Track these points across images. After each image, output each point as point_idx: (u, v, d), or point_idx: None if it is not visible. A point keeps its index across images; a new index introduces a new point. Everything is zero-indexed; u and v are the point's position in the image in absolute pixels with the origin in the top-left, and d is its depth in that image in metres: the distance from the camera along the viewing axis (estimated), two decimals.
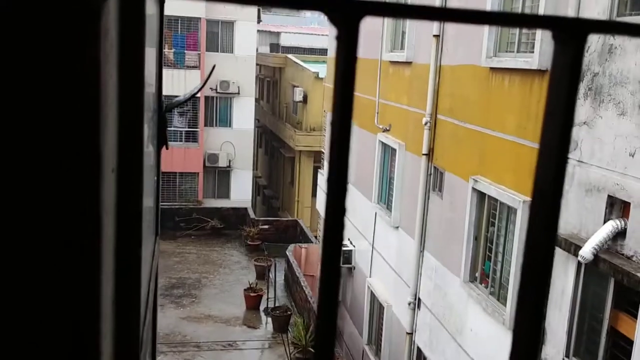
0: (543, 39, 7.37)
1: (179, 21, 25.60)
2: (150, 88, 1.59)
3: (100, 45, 0.51)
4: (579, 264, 6.60)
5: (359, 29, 0.38)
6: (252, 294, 17.89)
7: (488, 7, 8.63)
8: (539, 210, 0.46)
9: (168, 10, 24.72)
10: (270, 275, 18.54)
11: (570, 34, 0.44)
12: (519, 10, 8.19)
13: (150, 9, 1.44)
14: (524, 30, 8.13)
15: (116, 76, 0.70)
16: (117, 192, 0.77)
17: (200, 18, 25.63)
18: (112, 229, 0.73)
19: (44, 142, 0.51)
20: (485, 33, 8.66)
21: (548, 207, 0.46)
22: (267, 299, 17.75)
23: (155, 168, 1.75)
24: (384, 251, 12.91)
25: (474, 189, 9.00)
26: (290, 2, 0.39)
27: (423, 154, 10.72)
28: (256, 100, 29.65)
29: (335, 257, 0.43)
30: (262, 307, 17.94)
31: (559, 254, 7.00)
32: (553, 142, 0.45)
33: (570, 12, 6.85)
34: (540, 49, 7.39)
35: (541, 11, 7.42)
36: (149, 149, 1.56)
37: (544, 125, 0.45)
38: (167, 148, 1.86)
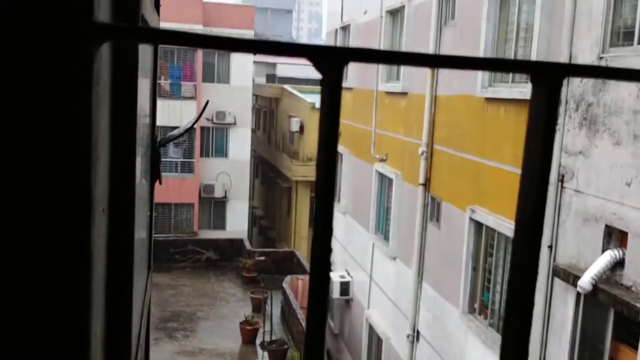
0: None
1: (175, 52, 25.82)
2: (144, 123, 1.57)
3: (92, 91, 0.52)
4: (578, 294, 6.54)
5: (342, 74, 0.38)
6: (248, 327, 17.67)
7: (482, 40, 8.72)
8: (522, 245, 0.47)
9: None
10: (267, 307, 18.33)
11: (547, 78, 0.46)
12: (513, 40, 8.28)
13: (143, 47, 1.43)
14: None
15: (109, 117, 0.70)
16: (108, 232, 0.77)
17: (196, 49, 25.86)
18: (103, 267, 0.73)
19: (37, 185, 0.52)
20: None
21: (528, 247, 0.47)
22: (264, 332, 17.53)
23: (148, 202, 1.73)
24: (382, 282, 12.80)
25: (471, 219, 8.97)
26: (277, 49, 0.41)
27: (420, 184, 10.71)
28: (252, 130, 29.76)
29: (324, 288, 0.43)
30: (258, 341, 17.70)
31: (558, 284, 6.93)
32: (532, 181, 0.47)
33: (564, 42, 6.92)
34: None
35: (534, 41, 7.49)
36: (142, 183, 1.53)
37: (524, 164, 0.48)
38: (160, 183, 1.84)
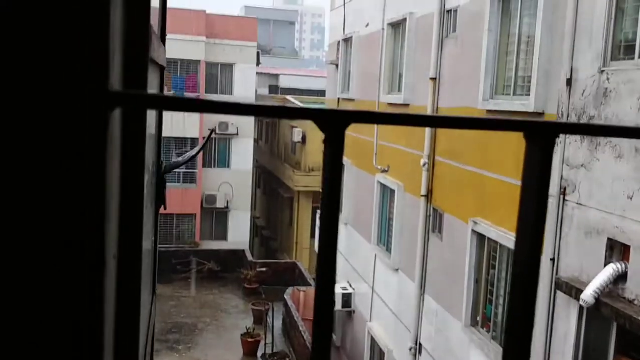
0: (539, 82, 7.44)
1: (179, 63, 25.94)
2: (149, 151, 1.59)
3: (106, 153, 0.55)
4: (581, 308, 6.51)
5: (344, 135, 0.40)
6: (249, 340, 17.60)
7: (483, 53, 8.74)
8: (516, 305, 0.49)
9: (168, 53, 25.05)
10: (268, 319, 18.28)
11: (541, 136, 0.48)
12: (515, 52, 8.30)
13: (151, 79, 1.45)
14: (520, 74, 8.23)
15: (119, 171, 0.74)
16: (117, 277, 0.79)
17: (200, 61, 25.98)
18: (112, 316, 0.75)
19: (56, 238, 0.55)
20: (482, 76, 8.76)
21: (524, 302, 0.49)
22: (265, 344, 17.46)
23: (153, 228, 1.73)
24: (384, 294, 12.77)
25: (474, 231, 8.96)
26: (283, 113, 0.43)
27: (422, 195, 10.70)
28: (255, 141, 29.83)
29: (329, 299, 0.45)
30: (259, 353, 17.63)
31: (561, 298, 6.91)
32: (527, 234, 0.48)
33: (565, 55, 6.93)
34: (537, 92, 7.45)
35: (536, 54, 7.51)
36: (148, 210, 1.54)
37: (519, 218, 0.48)
38: (165, 208, 1.85)
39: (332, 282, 0.45)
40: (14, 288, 0.55)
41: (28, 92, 0.51)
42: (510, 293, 0.51)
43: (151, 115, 1.59)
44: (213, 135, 26.57)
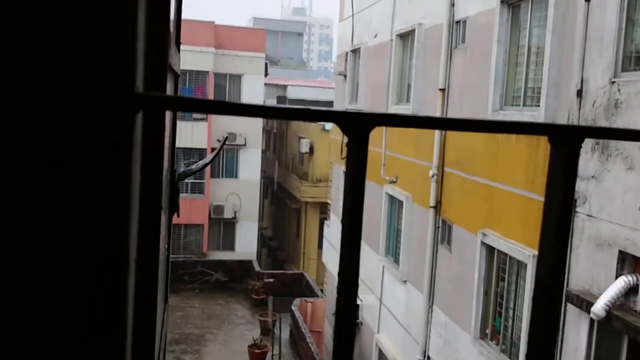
0: (549, 93, 7.41)
1: (187, 74, 26.08)
2: (165, 162, 1.61)
3: (132, 152, 0.57)
4: (592, 320, 6.44)
5: (368, 138, 0.38)
6: (256, 351, 17.53)
7: (492, 63, 8.73)
8: (540, 309, 0.48)
9: None
10: (275, 330, 18.20)
11: (566, 140, 0.47)
12: (524, 63, 8.28)
13: (167, 87, 1.46)
14: (530, 84, 8.20)
15: (140, 174, 0.74)
16: (136, 280, 0.80)
17: (208, 72, 26.12)
18: (131, 320, 0.76)
19: (81, 239, 0.56)
20: (491, 86, 8.74)
21: (548, 307, 0.48)
22: (272, 355, 17.38)
23: (166, 237, 1.73)
24: (392, 306, 12.69)
25: (482, 243, 8.90)
26: (306, 115, 0.42)
27: (430, 207, 10.66)
28: (262, 151, 29.89)
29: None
30: None
31: (571, 310, 6.84)
32: (551, 240, 0.47)
33: (575, 66, 6.91)
34: (546, 103, 7.42)
35: (545, 65, 7.49)
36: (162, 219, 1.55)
37: (542, 227, 0.48)
38: (178, 216, 1.84)
39: (355, 289, 0.44)
40: (35, 292, 0.56)
41: (57, 94, 0.53)
42: (533, 301, 0.49)
43: (166, 130, 1.61)
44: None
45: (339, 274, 0.43)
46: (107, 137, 0.54)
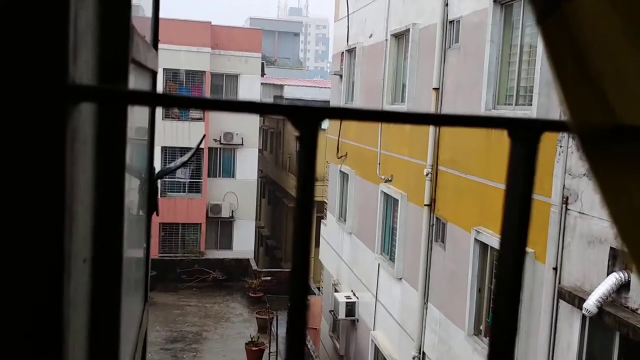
0: (541, 92, 7.48)
1: (184, 74, 26.07)
2: (141, 156, 1.62)
3: (65, 147, 0.53)
4: (584, 317, 6.51)
5: (318, 131, 0.42)
6: (253, 348, 17.58)
7: (486, 63, 8.80)
8: (501, 307, 0.47)
9: (173, 64, 25.22)
10: (273, 328, 18.25)
11: (525, 133, 0.46)
12: (517, 63, 8.34)
13: (141, 83, 1.49)
14: (522, 83, 8.27)
15: (92, 169, 0.73)
16: (92, 280, 0.78)
17: (205, 71, 26.11)
18: (83, 319, 0.73)
19: (9, 235, 0.53)
20: (484, 86, 8.80)
21: (508, 305, 0.47)
22: (269, 353, 17.43)
23: (145, 236, 1.77)
24: (387, 303, 12.76)
25: (476, 240, 8.97)
26: (257, 108, 0.43)
27: (425, 205, 10.72)
28: (259, 151, 29.88)
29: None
30: None
31: (563, 307, 6.91)
32: (512, 235, 0.47)
33: None
34: (539, 102, 7.50)
35: (538, 64, 7.55)
36: (138, 217, 1.57)
37: (503, 218, 0.48)
38: (157, 215, 1.88)
39: (305, 289, 0.46)
40: None
41: None
42: (495, 295, 0.49)
43: (142, 120, 1.63)
44: (218, 145, 26.66)
45: (292, 267, 0.46)
46: (35, 130, 0.51)
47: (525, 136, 0.46)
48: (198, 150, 25.20)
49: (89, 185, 0.71)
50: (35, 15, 0.51)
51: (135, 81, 1.26)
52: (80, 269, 0.68)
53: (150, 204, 1.80)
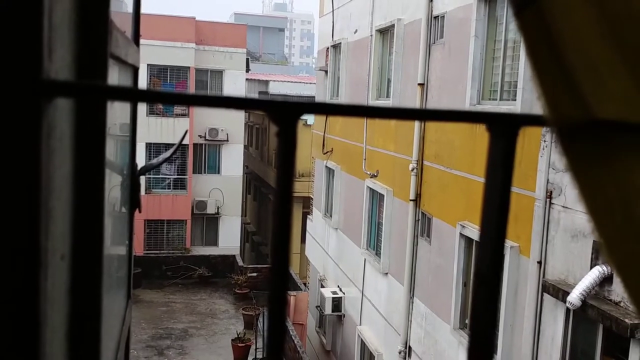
0: (525, 87, 7.53)
1: (169, 70, 25.92)
2: (123, 153, 1.60)
3: (40, 142, 0.52)
4: (568, 310, 6.58)
5: (296, 126, 0.42)
6: (240, 344, 17.57)
7: (470, 58, 8.83)
8: (479, 299, 0.47)
9: (157, 60, 25.06)
10: (259, 324, 18.25)
11: (503, 128, 0.46)
12: (501, 58, 8.39)
13: (123, 79, 1.47)
14: (507, 79, 8.32)
15: (70, 165, 0.72)
16: (71, 277, 0.77)
17: (189, 67, 25.97)
18: (62, 314, 0.73)
19: None
20: (469, 81, 8.84)
21: (487, 296, 0.47)
22: (256, 349, 17.43)
23: (127, 232, 1.75)
24: (373, 298, 12.80)
25: (461, 235, 9.02)
26: (236, 103, 0.42)
27: (410, 200, 10.76)
28: (245, 147, 29.80)
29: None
30: (250, 358, 17.59)
31: (547, 300, 6.98)
32: (491, 228, 0.47)
33: None
34: (523, 97, 7.54)
35: (522, 59, 7.59)
36: (120, 214, 1.56)
37: (482, 212, 0.48)
38: (139, 211, 1.87)
39: (285, 284, 0.45)
40: None
41: None
42: (474, 288, 0.49)
43: (124, 116, 1.61)
44: (203, 141, 26.55)
45: (271, 262, 0.45)
46: (9, 126, 0.50)
47: (503, 130, 0.46)
48: (181, 146, 25.08)
49: (66, 181, 0.70)
50: (7, 9, 0.50)
51: (116, 77, 1.25)
52: (58, 265, 0.67)
53: (133, 200, 1.78)
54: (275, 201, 0.42)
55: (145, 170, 2.14)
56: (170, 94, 0.41)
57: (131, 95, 0.42)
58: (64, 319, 0.74)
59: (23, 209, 0.52)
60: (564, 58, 0.42)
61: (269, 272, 0.44)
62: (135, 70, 1.78)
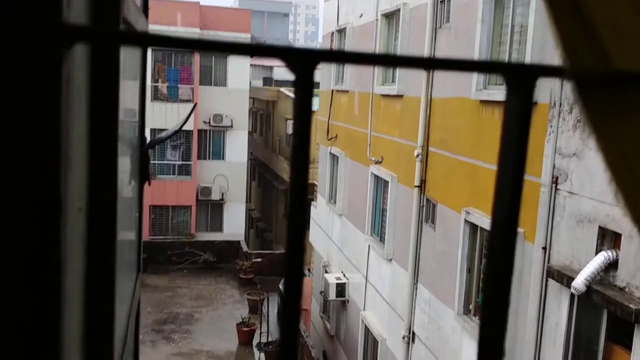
0: None
1: (173, 55, 25.84)
2: (131, 125, 1.60)
3: (60, 90, 0.52)
4: (572, 295, 6.57)
5: (313, 75, 0.41)
6: (244, 329, 17.68)
7: (476, 42, 8.77)
8: (497, 247, 0.47)
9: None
10: (263, 309, 18.34)
11: (521, 80, 0.45)
12: (508, 42, 8.32)
13: (131, 47, 1.46)
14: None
15: (86, 116, 0.72)
16: (88, 230, 0.78)
17: (193, 52, 25.86)
18: (79, 265, 0.74)
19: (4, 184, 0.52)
20: None
21: (504, 247, 0.47)
22: (260, 333, 17.54)
23: (137, 203, 1.75)
24: (377, 284, 12.83)
25: (466, 221, 9.01)
26: (251, 50, 0.42)
27: (415, 186, 10.74)
28: (249, 133, 29.77)
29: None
30: (255, 342, 17.71)
31: (552, 285, 6.97)
32: (507, 185, 0.47)
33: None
34: None
35: (529, 43, 7.53)
36: (131, 184, 1.55)
37: (499, 166, 0.47)
38: (149, 184, 1.87)
39: (301, 251, 0.45)
40: None
41: None
42: (488, 255, 0.48)
43: (134, 92, 1.60)
44: (207, 127, 26.53)
45: (288, 221, 0.44)
46: (30, 73, 0.50)
47: (521, 81, 0.46)
48: (186, 129, 25.04)
49: (83, 133, 0.71)
50: None
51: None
52: (76, 217, 0.68)
53: (143, 173, 1.78)
54: (293, 149, 0.42)
55: (155, 143, 2.14)
56: (188, 40, 0.40)
57: (149, 40, 0.42)
58: (80, 267, 0.75)
59: (44, 155, 0.52)
60: (585, 9, 0.42)
61: (286, 236, 0.44)
62: None
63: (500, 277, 0.48)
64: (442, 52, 10.12)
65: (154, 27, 23.55)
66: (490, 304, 0.48)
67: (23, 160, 0.52)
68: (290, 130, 26.78)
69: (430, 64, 0.48)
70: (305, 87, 0.40)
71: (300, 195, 0.42)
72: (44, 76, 0.51)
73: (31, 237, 0.54)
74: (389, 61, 0.46)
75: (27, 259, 0.54)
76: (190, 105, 25.51)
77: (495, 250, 0.48)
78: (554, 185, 7.00)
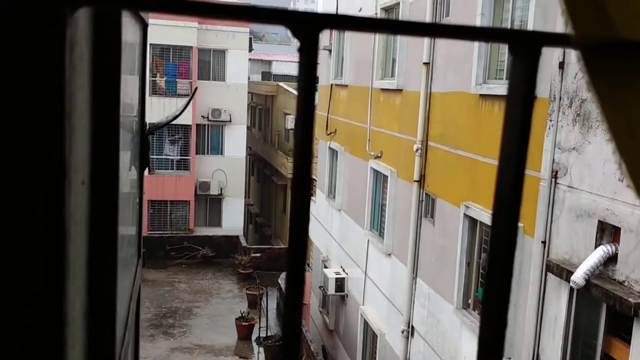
0: None
1: (171, 50, 25.77)
2: (132, 110, 1.59)
3: (64, 56, 0.51)
4: (572, 289, 6.58)
5: (318, 40, 0.40)
6: (244, 323, 17.70)
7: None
8: (499, 222, 0.47)
9: (160, 39, 24.92)
10: (262, 303, 18.36)
11: (525, 47, 0.45)
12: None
13: (132, 35, 1.45)
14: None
15: (88, 88, 0.71)
16: (90, 203, 0.78)
17: (192, 47, 25.82)
18: (82, 238, 0.74)
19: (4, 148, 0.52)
20: (475, 60, 8.76)
21: (507, 219, 0.47)
22: (259, 328, 17.56)
23: (138, 191, 1.75)
24: (376, 278, 12.84)
25: (465, 215, 9.01)
26: (254, 16, 0.40)
27: (414, 181, 10.74)
28: (248, 128, 29.73)
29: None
30: (254, 337, 17.73)
31: (551, 279, 6.98)
32: (511, 155, 0.47)
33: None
34: None
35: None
36: (131, 169, 1.55)
37: (503, 138, 0.47)
38: (149, 172, 1.87)
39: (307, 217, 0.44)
40: None
41: None
42: (491, 235, 0.47)
43: (134, 81, 1.60)
44: (206, 122, 26.48)
45: (292, 204, 0.43)
46: (35, 34, 0.50)
47: (525, 49, 0.46)
48: (185, 126, 25.00)
49: (86, 103, 0.70)
50: None
51: (130, 30, 1.23)
52: (80, 190, 0.67)
53: (143, 159, 1.77)
54: (297, 118, 0.41)
55: (155, 128, 2.13)
56: (192, 2, 0.39)
57: (154, 3, 0.40)
58: (84, 239, 0.75)
59: (49, 120, 0.52)
60: None
61: (289, 224, 0.43)
62: (145, 27, 1.77)
63: (502, 270, 0.47)
64: (441, 46, 10.11)
65: (152, 22, 23.51)
66: (491, 298, 0.47)
67: (27, 125, 0.51)
68: (288, 125, 26.75)
69: (434, 30, 0.47)
70: (310, 54, 0.39)
71: (305, 159, 0.41)
72: (48, 38, 0.50)
73: (36, 204, 0.54)
74: (393, 27, 0.45)
75: (31, 230, 0.54)
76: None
77: (497, 237, 0.48)
78: (553, 179, 7.00)
